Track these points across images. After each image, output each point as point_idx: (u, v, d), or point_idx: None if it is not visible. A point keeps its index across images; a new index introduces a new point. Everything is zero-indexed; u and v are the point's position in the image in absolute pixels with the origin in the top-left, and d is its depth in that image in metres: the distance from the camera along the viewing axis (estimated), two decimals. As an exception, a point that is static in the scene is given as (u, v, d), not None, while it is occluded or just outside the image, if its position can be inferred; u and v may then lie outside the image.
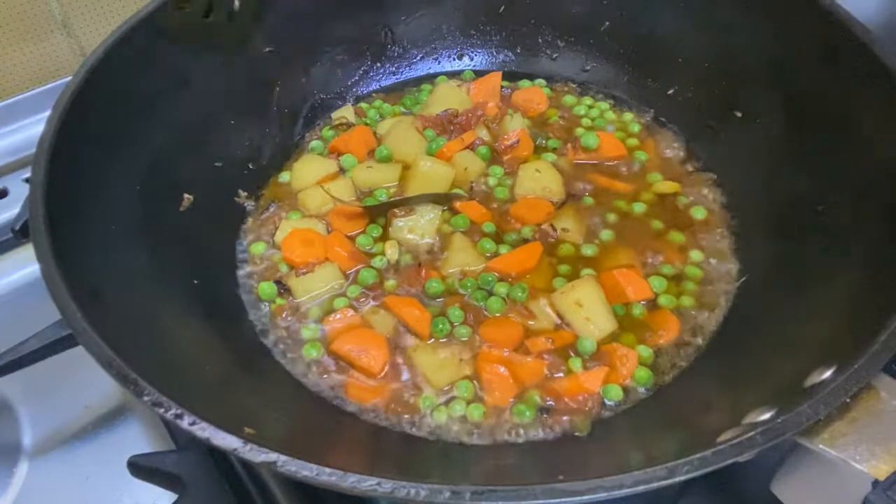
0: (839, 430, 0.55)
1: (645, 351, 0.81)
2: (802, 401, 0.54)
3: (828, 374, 0.57)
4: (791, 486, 0.72)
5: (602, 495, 0.49)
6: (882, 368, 0.56)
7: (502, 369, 0.79)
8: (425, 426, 0.77)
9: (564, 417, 0.76)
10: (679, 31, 1.04)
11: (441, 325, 0.84)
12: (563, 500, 0.49)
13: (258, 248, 0.94)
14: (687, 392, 0.77)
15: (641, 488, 0.49)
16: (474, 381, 0.80)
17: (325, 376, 0.82)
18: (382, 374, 0.81)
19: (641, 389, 0.79)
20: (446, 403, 0.78)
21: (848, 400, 0.55)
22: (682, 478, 0.49)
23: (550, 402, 0.78)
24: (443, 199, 0.96)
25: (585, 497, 0.49)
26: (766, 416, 0.55)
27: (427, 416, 0.77)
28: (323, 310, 0.88)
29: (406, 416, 0.77)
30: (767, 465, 0.74)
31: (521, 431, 0.76)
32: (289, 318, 0.87)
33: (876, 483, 0.53)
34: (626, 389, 0.79)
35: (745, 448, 0.51)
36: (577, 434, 0.75)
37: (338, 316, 0.86)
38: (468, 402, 0.78)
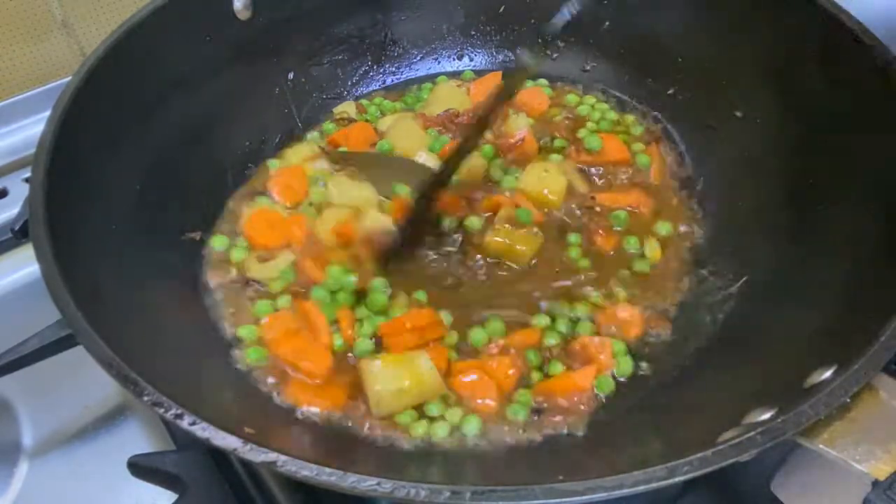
0: (839, 430, 0.55)
1: (617, 345, 0.81)
2: (802, 401, 0.54)
3: (828, 374, 0.57)
4: (791, 486, 0.72)
5: (602, 495, 0.49)
6: (882, 368, 0.56)
7: (474, 376, 0.78)
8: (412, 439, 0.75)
9: (558, 418, 0.76)
10: (679, 30, 1.04)
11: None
12: (563, 500, 0.49)
13: (219, 242, 0.92)
14: (687, 392, 0.77)
15: (641, 488, 0.49)
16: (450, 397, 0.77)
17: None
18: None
19: (643, 386, 0.79)
20: (432, 420, 0.76)
21: (848, 400, 0.55)
22: (682, 478, 0.49)
23: (543, 403, 0.77)
24: (419, 171, 0.96)
25: (585, 497, 0.49)
26: (766, 416, 0.55)
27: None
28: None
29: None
30: (767, 465, 0.74)
31: (514, 433, 0.75)
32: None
33: (876, 483, 0.53)
34: (619, 386, 0.79)
35: (746, 448, 0.51)
36: (573, 434, 0.75)
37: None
38: (460, 418, 0.76)
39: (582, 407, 0.77)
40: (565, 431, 0.75)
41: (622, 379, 0.80)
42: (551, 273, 0.90)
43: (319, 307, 0.83)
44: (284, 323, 0.82)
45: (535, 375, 0.80)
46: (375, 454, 0.73)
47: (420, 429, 0.74)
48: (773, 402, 0.56)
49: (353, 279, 0.86)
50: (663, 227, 0.94)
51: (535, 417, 0.76)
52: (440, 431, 0.74)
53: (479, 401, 0.77)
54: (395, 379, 0.74)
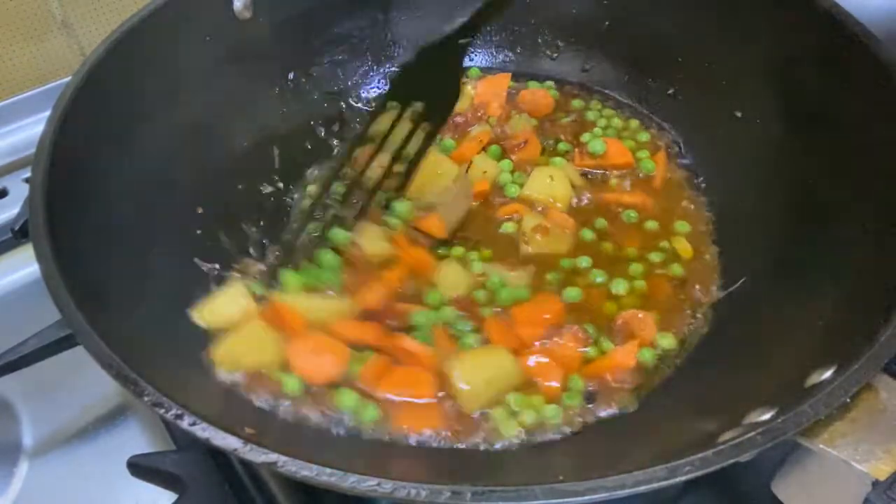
0: (839, 430, 0.55)
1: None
2: (802, 401, 0.54)
3: (828, 374, 0.57)
4: (791, 486, 0.72)
5: (603, 495, 0.49)
6: (882, 368, 0.56)
7: (544, 358, 0.79)
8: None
9: (612, 403, 0.77)
10: (679, 30, 1.04)
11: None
12: (564, 500, 0.49)
13: None
14: (686, 392, 0.77)
15: (642, 488, 0.49)
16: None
17: None
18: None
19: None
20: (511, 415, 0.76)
21: (848, 400, 0.55)
22: (683, 478, 0.49)
23: (592, 388, 0.78)
24: None
25: (585, 497, 0.49)
26: (766, 416, 0.55)
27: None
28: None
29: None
30: (767, 465, 0.74)
31: (571, 422, 0.76)
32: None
33: (876, 483, 0.53)
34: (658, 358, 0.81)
35: (746, 448, 0.51)
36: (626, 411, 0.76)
37: None
38: (538, 408, 0.76)
39: (626, 385, 0.78)
40: (617, 410, 0.76)
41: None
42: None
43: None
44: (375, 364, 0.77)
45: (593, 351, 0.81)
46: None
47: (511, 429, 0.74)
48: (773, 402, 0.56)
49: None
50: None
51: (590, 405, 0.77)
52: (528, 419, 0.75)
53: (546, 383, 0.78)
54: (480, 372, 0.76)
